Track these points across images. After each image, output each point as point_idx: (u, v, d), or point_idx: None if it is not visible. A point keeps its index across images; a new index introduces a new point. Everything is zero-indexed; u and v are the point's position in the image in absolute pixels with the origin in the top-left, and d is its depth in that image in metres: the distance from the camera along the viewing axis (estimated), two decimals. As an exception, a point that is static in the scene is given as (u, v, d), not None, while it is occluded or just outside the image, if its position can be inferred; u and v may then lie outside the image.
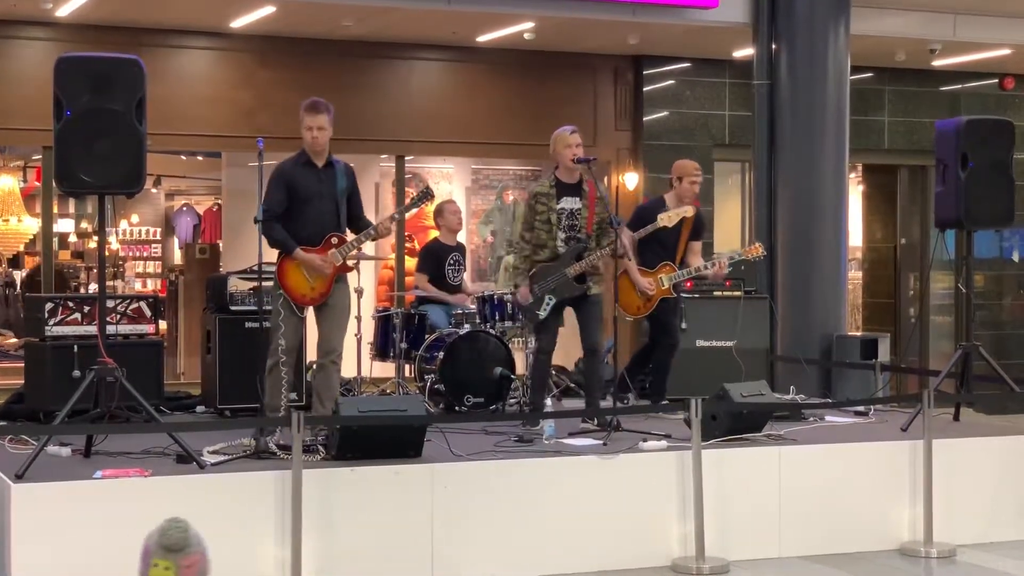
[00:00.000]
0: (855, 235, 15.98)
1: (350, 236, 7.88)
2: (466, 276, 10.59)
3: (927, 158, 13.60)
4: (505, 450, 7.46)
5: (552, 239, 8.34)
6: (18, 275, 17.80)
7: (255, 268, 7.87)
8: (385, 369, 10.34)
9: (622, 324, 9.19)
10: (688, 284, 10.23)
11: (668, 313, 9.27)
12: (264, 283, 7.92)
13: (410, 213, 8.06)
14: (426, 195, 8.17)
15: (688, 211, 9.14)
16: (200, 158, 17.40)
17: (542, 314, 8.34)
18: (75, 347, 8.70)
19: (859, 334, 14.17)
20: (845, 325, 12.01)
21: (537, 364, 8.52)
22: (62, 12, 11.84)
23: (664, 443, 7.56)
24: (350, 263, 7.90)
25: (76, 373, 8.41)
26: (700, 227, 9.42)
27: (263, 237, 7.70)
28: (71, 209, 19.32)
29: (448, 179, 15.12)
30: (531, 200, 8.41)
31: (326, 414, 7.66)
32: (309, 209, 7.76)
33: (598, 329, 8.48)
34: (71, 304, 8.92)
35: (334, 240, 7.80)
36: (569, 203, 8.36)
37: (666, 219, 9.04)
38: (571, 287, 8.34)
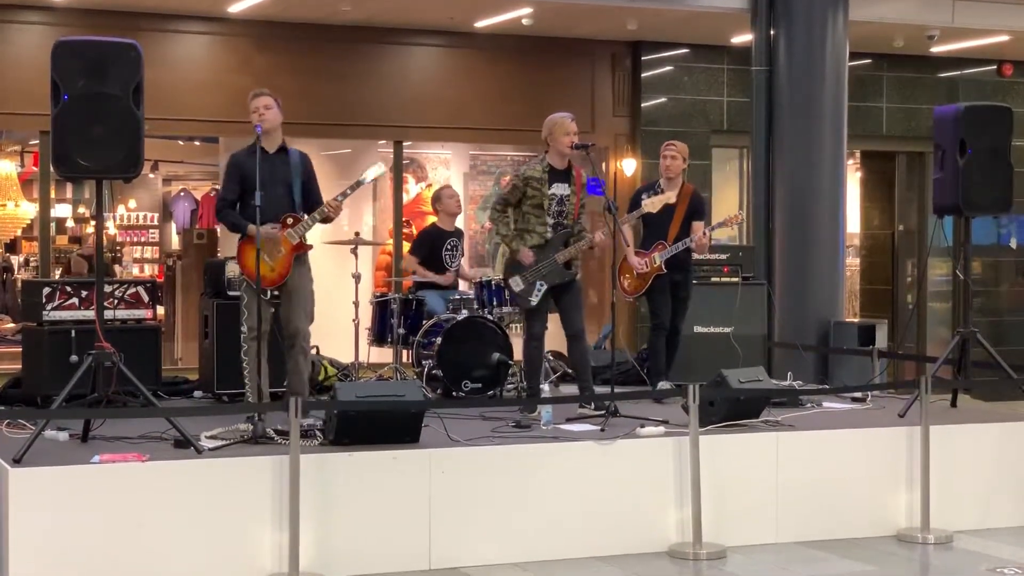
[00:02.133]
0: (853, 221, 16.00)
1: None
2: (464, 261, 10.58)
3: (925, 144, 13.62)
4: (502, 436, 7.46)
5: (542, 224, 8.34)
6: (16, 260, 17.79)
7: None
8: (382, 354, 10.33)
9: (619, 309, 9.19)
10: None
11: (659, 292, 9.31)
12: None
13: (351, 194, 8.10)
14: (360, 183, 8.18)
15: (670, 198, 9.15)
16: (197, 143, 17.39)
17: (534, 300, 8.36)
18: (73, 332, 8.68)
19: (856, 320, 14.20)
20: (843, 311, 12.03)
21: (529, 350, 8.52)
22: (59, -4, 11.85)
23: (662, 429, 7.56)
24: (307, 242, 7.94)
25: (74, 358, 8.39)
26: (698, 206, 9.45)
27: (222, 224, 7.94)
28: (68, 194, 19.31)
29: (446, 165, 15.12)
30: (520, 181, 8.38)
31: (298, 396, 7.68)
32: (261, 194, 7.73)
33: (580, 315, 8.55)
34: (69, 289, 8.91)
35: (289, 220, 7.86)
36: (559, 189, 8.37)
37: (650, 205, 9.05)
38: (561, 273, 8.37)
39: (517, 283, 8.40)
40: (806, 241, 11.74)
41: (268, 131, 7.83)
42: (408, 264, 10.25)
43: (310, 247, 8.00)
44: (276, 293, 7.94)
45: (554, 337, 8.86)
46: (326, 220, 8.00)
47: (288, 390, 7.80)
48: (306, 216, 7.89)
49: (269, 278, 7.82)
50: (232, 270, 9.27)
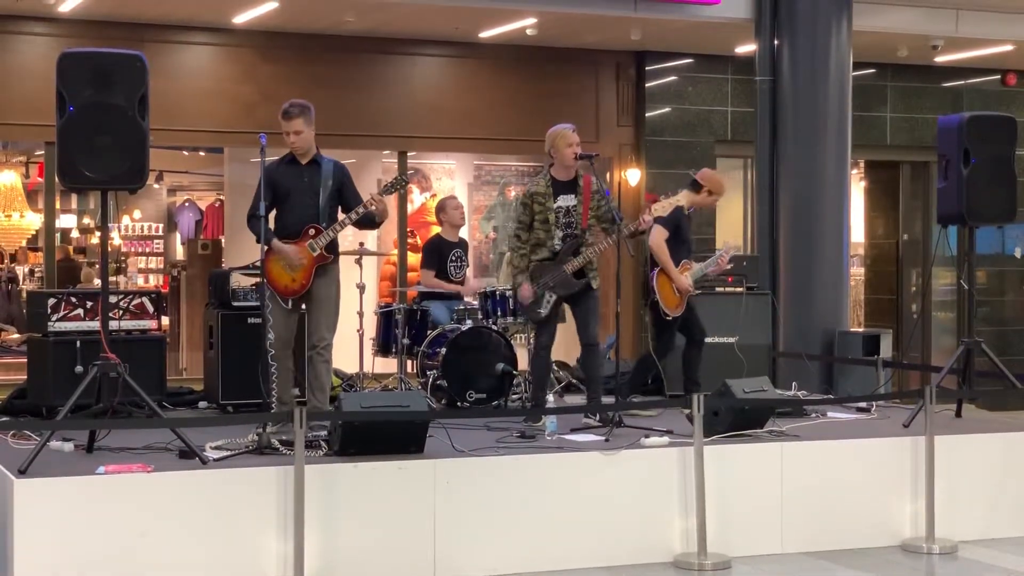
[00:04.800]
0: (857, 231, 15.99)
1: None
2: (469, 272, 10.59)
3: (929, 154, 13.59)
4: (507, 446, 7.46)
5: (550, 238, 8.36)
6: (21, 270, 17.81)
7: (257, 263, 7.99)
8: (387, 365, 10.34)
9: (624, 319, 9.19)
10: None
11: (694, 308, 9.38)
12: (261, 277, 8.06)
13: (386, 196, 8.14)
14: (401, 181, 8.36)
15: (681, 200, 9.11)
16: (202, 153, 17.44)
17: (543, 311, 8.36)
18: (78, 343, 8.69)
19: (861, 330, 14.17)
20: (847, 321, 12.01)
21: (537, 360, 8.53)
22: (64, 7, 11.85)
23: (666, 439, 7.56)
24: (329, 253, 8.03)
25: (79, 369, 8.41)
26: None
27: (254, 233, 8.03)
28: (73, 205, 19.35)
29: (450, 175, 15.12)
30: (526, 199, 8.43)
31: (319, 406, 7.88)
32: (289, 204, 7.96)
33: (596, 324, 8.53)
34: (74, 300, 8.92)
35: (311, 232, 7.99)
36: (565, 201, 8.37)
37: (661, 208, 8.94)
38: (570, 283, 8.35)
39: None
40: (810, 251, 11.74)
41: (301, 154, 8.03)
42: (425, 279, 10.22)
43: (330, 257, 8.06)
44: (291, 305, 8.06)
45: (559, 347, 8.85)
46: (370, 219, 8.04)
47: (309, 400, 7.92)
48: (327, 228, 7.98)
49: (291, 289, 7.98)
50: (237, 281, 9.30)
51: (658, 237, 9.07)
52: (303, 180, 8.02)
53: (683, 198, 9.00)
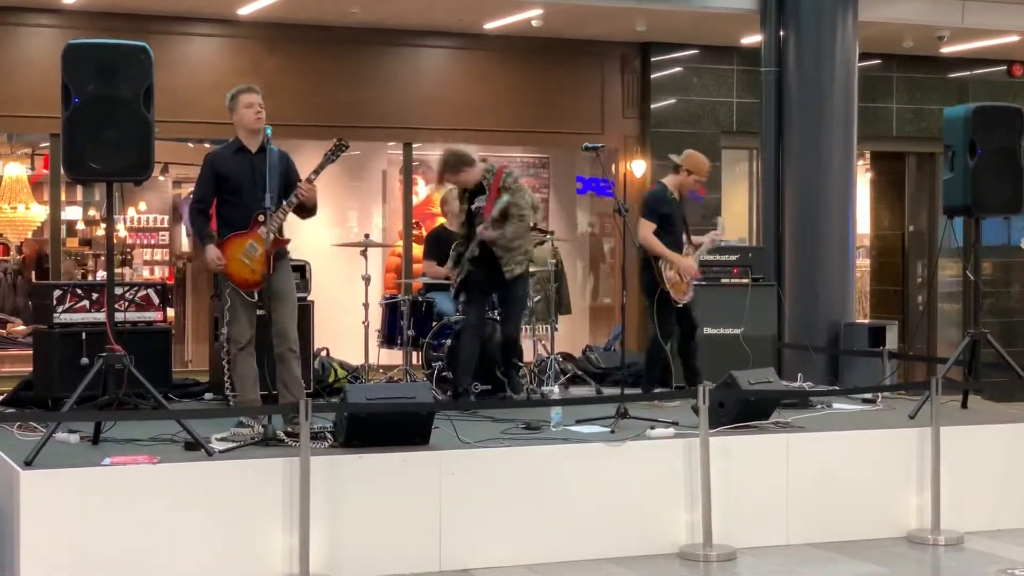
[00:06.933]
0: (863, 222, 15.98)
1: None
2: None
3: (935, 145, 13.59)
4: (512, 437, 7.47)
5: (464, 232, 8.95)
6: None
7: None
8: (392, 356, 10.35)
9: (629, 310, 9.18)
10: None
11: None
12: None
13: (326, 169, 7.73)
14: (340, 147, 7.81)
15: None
16: (207, 145, 17.34)
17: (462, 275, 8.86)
18: (83, 334, 8.69)
19: (867, 322, 14.16)
20: (853, 313, 12.01)
21: (463, 339, 8.85)
22: (69, -1, 11.88)
23: (672, 430, 7.57)
24: (284, 236, 7.72)
25: (84, 360, 8.39)
26: None
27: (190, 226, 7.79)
28: (79, 196, 19.30)
29: (455, 166, 15.09)
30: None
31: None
32: (240, 196, 7.59)
33: (518, 319, 8.99)
34: (79, 291, 8.93)
35: (260, 218, 7.50)
36: (478, 202, 8.87)
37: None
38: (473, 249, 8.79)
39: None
40: (816, 242, 11.73)
41: (259, 130, 7.67)
42: (427, 269, 10.22)
43: (287, 240, 7.77)
44: (257, 298, 7.67)
45: (564, 339, 8.87)
46: (302, 207, 7.71)
47: (284, 397, 7.64)
48: (273, 213, 7.50)
49: (253, 280, 7.59)
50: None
51: (644, 231, 9.03)
52: (254, 172, 7.55)
53: (669, 181, 9.16)
